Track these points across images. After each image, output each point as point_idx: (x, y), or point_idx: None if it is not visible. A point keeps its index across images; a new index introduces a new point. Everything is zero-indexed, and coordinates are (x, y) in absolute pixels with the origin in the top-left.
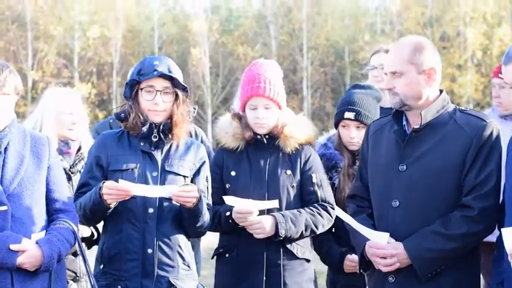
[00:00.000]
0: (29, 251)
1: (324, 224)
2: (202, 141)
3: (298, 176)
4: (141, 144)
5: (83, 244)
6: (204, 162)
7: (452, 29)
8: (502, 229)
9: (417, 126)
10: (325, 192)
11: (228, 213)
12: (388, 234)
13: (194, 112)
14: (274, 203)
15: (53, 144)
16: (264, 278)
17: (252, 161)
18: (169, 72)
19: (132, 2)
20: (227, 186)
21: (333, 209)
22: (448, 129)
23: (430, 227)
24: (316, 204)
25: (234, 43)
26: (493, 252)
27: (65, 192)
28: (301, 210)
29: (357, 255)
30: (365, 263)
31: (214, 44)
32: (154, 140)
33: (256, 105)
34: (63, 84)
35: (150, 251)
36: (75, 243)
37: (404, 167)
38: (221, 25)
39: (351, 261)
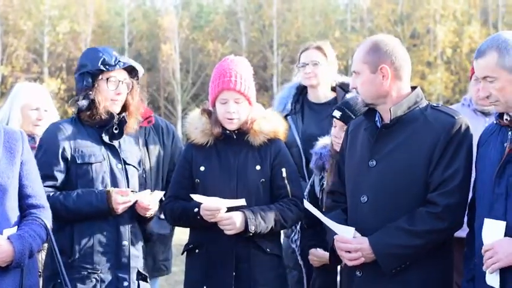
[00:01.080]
0: (0, 247)
1: (294, 218)
2: (174, 136)
3: (268, 171)
4: (104, 135)
5: None
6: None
7: (422, 27)
8: (486, 219)
9: (387, 122)
10: (295, 186)
11: (196, 210)
12: (354, 228)
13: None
14: (241, 201)
15: (26, 140)
16: (234, 273)
17: (221, 156)
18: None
19: None
20: (196, 181)
21: (303, 203)
22: (417, 126)
23: (395, 222)
24: (286, 199)
25: (204, 39)
26: (463, 250)
27: (38, 187)
28: (271, 205)
29: (329, 250)
30: (335, 257)
31: (184, 40)
32: (115, 131)
33: (226, 99)
34: (33, 80)
35: (125, 243)
36: (47, 239)
37: (374, 162)
38: (191, 21)
39: (313, 255)
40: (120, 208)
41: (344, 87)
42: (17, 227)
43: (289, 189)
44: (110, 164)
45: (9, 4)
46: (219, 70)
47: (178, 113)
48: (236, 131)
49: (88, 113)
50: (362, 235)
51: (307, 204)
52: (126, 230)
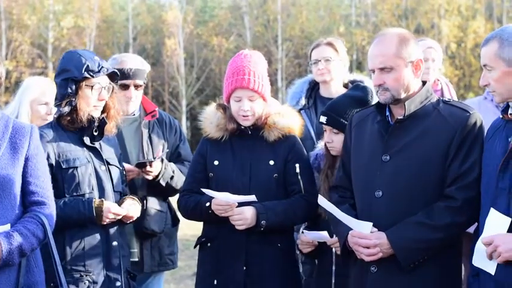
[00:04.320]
0: None
1: (305, 214)
2: (177, 131)
3: (281, 167)
4: (85, 138)
5: None
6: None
7: (426, 21)
8: (492, 209)
9: (401, 117)
10: (308, 182)
11: (207, 204)
12: (371, 223)
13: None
14: (251, 198)
15: (35, 135)
16: (244, 268)
17: (235, 151)
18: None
19: None
20: (210, 175)
21: (315, 199)
22: (431, 120)
23: (413, 217)
24: (297, 196)
25: (208, 34)
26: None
27: (43, 184)
28: (283, 201)
29: (340, 245)
30: (347, 252)
31: (188, 35)
32: (95, 133)
33: (240, 97)
34: (38, 75)
35: (115, 243)
36: (45, 236)
37: (388, 157)
38: (196, 16)
39: (302, 240)
40: (110, 218)
41: None
42: (9, 224)
43: (302, 185)
44: (94, 166)
45: None
46: (232, 67)
47: (182, 107)
48: (251, 127)
49: (68, 118)
50: (378, 230)
51: (321, 200)
52: (114, 230)
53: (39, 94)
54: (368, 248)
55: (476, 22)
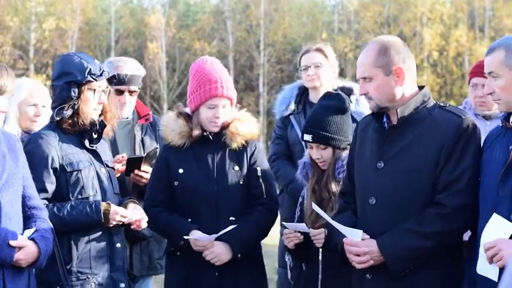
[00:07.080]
0: (27, 247)
1: (271, 224)
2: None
3: (245, 171)
4: (86, 142)
5: None
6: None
7: (409, 29)
8: (495, 214)
9: (394, 123)
10: (270, 186)
11: (181, 243)
12: (362, 231)
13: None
14: (231, 228)
15: (20, 141)
16: (216, 274)
17: (199, 158)
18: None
19: None
20: (175, 183)
21: (277, 204)
22: (424, 126)
23: (404, 224)
24: (261, 207)
25: (191, 38)
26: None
27: (34, 189)
28: (251, 220)
29: (338, 251)
30: (344, 259)
31: (171, 39)
32: (95, 136)
33: (216, 104)
34: (19, 76)
35: (118, 245)
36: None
37: (382, 164)
38: (178, 20)
39: (285, 233)
40: (116, 220)
41: (345, 91)
42: (34, 228)
43: (263, 189)
44: (95, 168)
45: None
46: (202, 77)
47: (164, 111)
48: (212, 133)
49: (70, 121)
50: (371, 237)
51: (316, 208)
52: (118, 232)
53: (27, 95)
54: (358, 255)
55: (458, 31)
